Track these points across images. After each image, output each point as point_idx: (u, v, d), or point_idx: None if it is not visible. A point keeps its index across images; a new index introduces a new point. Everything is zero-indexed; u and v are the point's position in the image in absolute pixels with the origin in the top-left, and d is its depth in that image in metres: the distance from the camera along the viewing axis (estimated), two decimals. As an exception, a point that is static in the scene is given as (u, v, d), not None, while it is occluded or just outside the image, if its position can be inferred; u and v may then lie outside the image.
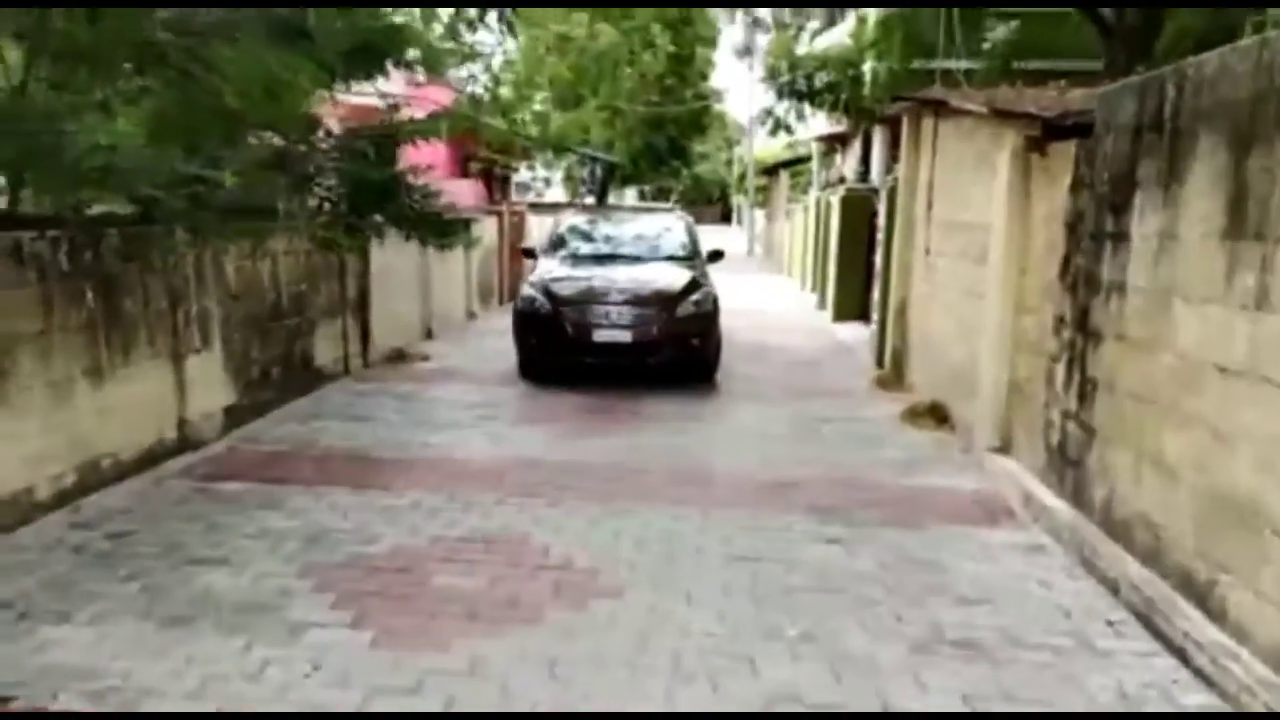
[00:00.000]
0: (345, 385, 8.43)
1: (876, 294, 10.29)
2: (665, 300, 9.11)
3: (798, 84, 12.57)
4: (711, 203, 74.33)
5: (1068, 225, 5.34)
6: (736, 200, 39.44)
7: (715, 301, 9.48)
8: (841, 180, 14.95)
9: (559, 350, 9.04)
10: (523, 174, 39.59)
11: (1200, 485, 3.84)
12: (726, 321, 14.04)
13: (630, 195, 71.93)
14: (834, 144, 18.41)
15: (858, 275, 13.09)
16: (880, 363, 9.86)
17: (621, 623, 3.86)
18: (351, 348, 9.02)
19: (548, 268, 10.14)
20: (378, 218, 7.10)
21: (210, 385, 6.43)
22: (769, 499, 5.54)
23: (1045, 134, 5.77)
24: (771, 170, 32.72)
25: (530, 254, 11.07)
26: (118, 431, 5.45)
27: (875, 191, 12.58)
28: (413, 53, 6.58)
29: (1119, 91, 4.86)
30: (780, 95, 12.90)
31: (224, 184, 5.20)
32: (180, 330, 6.08)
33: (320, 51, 5.33)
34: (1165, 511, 4.07)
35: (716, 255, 11.07)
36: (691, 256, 10.61)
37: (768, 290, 19.39)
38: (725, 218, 69.12)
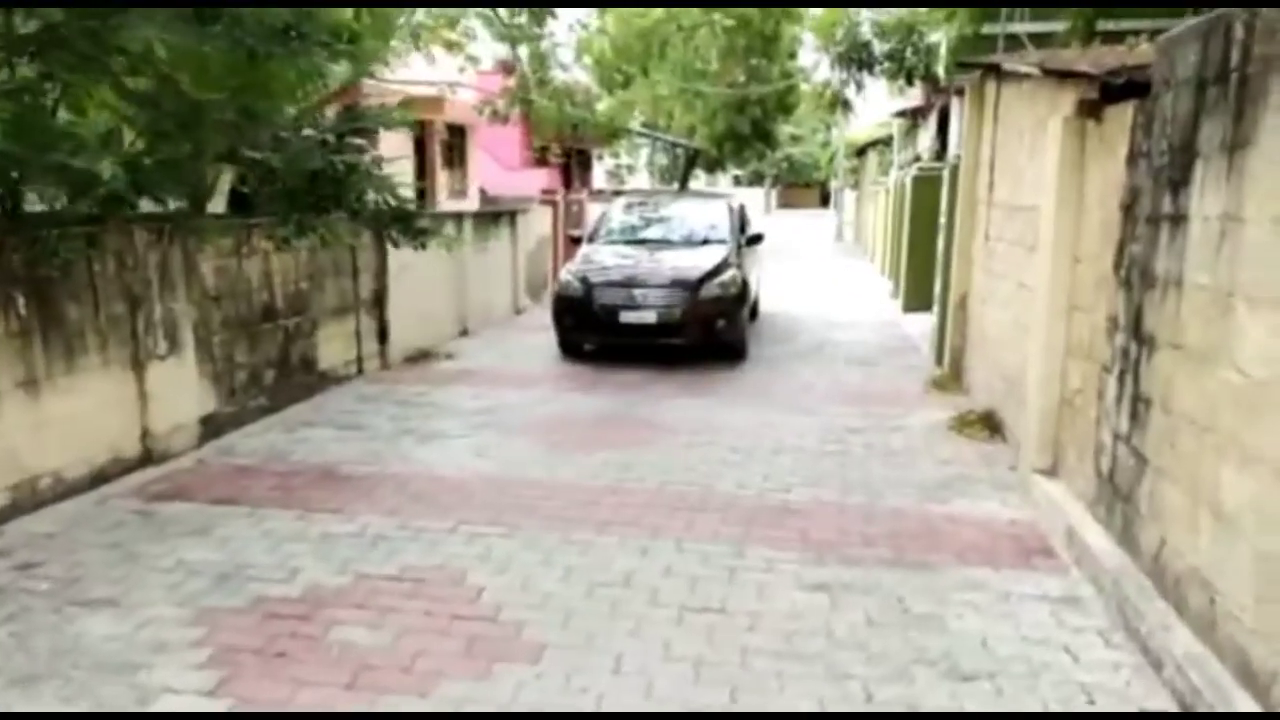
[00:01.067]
0: (354, 388, 8.01)
1: (938, 285, 9.30)
2: (689, 283, 8.99)
3: (855, 53, 11.55)
4: (809, 186, 72.49)
5: (1124, 206, 4.39)
6: (834, 183, 38.02)
7: (742, 284, 9.35)
8: (916, 159, 13.84)
9: (590, 331, 9.25)
10: (608, 161, 39.13)
11: (1264, 543, 2.94)
12: (792, 314, 13.28)
13: (725, 181, 70.95)
14: (916, 120, 17.18)
15: (928, 263, 12.00)
16: (940, 361, 8.90)
17: (522, 698, 3.22)
18: (366, 348, 8.61)
19: (587, 253, 9.85)
20: (338, 214, 6.59)
21: (181, 394, 6.06)
22: (761, 529, 4.79)
23: (1102, 95, 4.81)
24: (861, 151, 31.28)
25: (578, 241, 10.56)
26: (59, 447, 5.10)
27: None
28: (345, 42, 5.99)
29: (1180, 38, 3.90)
30: (836, 66, 11.90)
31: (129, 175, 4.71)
32: (140, 335, 5.70)
33: (238, 31, 4.80)
34: (1222, 571, 3.18)
35: (755, 239, 10.58)
36: (727, 240, 9.95)
37: (846, 279, 18.34)
38: (825, 201, 67.09)
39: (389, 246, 8.74)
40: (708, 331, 9.04)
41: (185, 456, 5.97)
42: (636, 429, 6.78)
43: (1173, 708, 3.15)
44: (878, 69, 11.70)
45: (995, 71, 7.36)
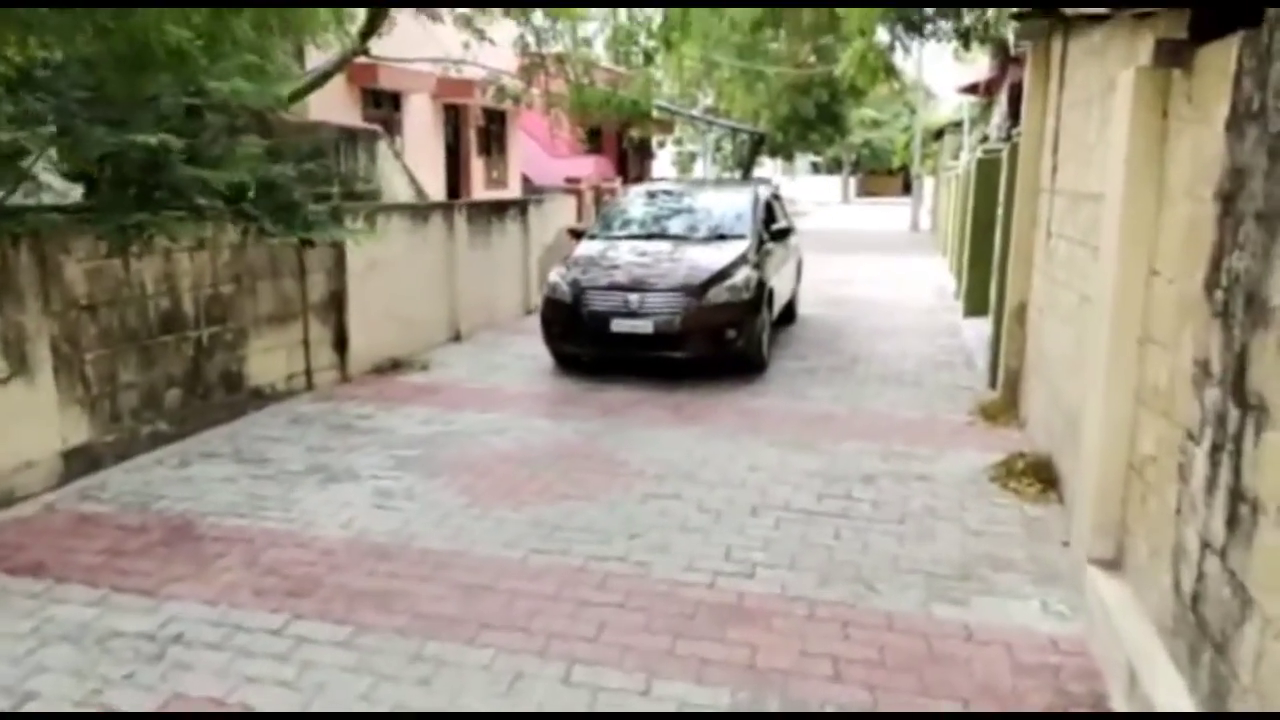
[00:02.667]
0: (292, 408, 6.93)
1: (994, 288, 7.76)
2: (691, 287, 7.66)
3: (902, 12, 9.95)
4: (892, 173, 69.59)
5: (1222, 195, 2.92)
6: (913, 170, 35.66)
7: (758, 286, 7.94)
8: (984, 140, 12.17)
9: (579, 340, 8.01)
10: (671, 150, 37.78)
11: None
12: (837, 317, 11.74)
13: (802, 166, 68.63)
14: (990, 97, 15.39)
15: (990, 260, 10.41)
16: (993, 383, 7.37)
17: None
18: (318, 359, 7.53)
19: (582, 251, 8.66)
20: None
21: (30, 423, 5.02)
22: (692, 644, 3.47)
23: (1193, 33, 3.33)
24: (939, 135, 29.20)
25: (578, 234, 9.31)
26: None
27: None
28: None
29: (1321, -77, 2.43)
30: (881, 26, 10.30)
31: None
32: (-35, 357, 4.68)
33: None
34: None
35: (782, 234, 9.16)
36: (746, 236, 8.57)
37: (910, 276, 16.64)
38: (907, 189, 64.21)
39: (353, 240, 7.67)
40: (715, 343, 7.71)
41: (33, 500, 4.93)
42: (594, 470, 5.51)
43: None
44: (929, 30, 10.09)
45: (1061, 20, 5.82)
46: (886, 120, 57.67)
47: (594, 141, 26.35)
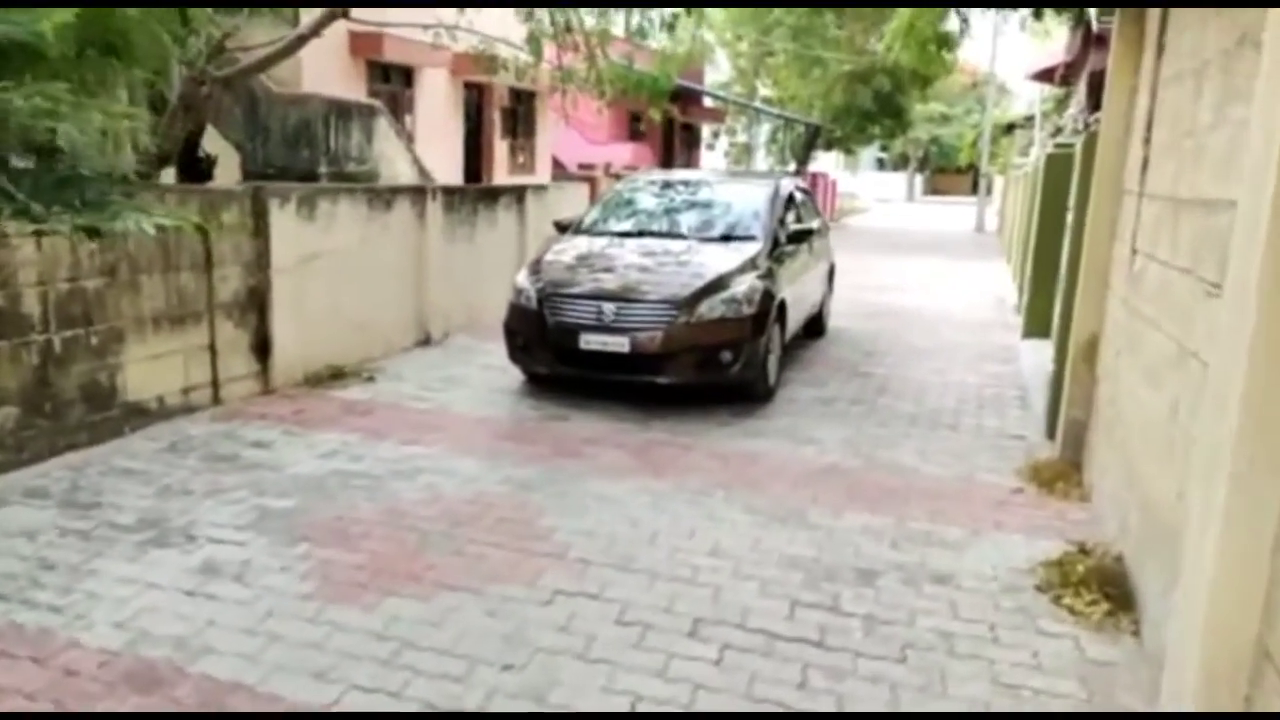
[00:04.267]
0: (180, 428, 5.72)
1: (1057, 312, 6.22)
2: (681, 297, 6.29)
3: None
4: (961, 172, 66.76)
5: None
6: (984, 169, 33.25)
7: (763, 298, 6.53)
8: (1056, 133, 10.52)
9: (543, 357, 6.64)
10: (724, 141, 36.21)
11: None
12: (874, 331, 10.13)
13: (866, 162, 66.11)
14: (1067, 83, 13.63)
15: (1055, 274, 8.83)
16: (1051, 432, 5.86)
17: None
18: (230, 368, 6.32)
19: (560, 247, 7.40)
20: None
21: None
22: None
23: None
24: (1010, 130, 27.15)
25: (564, 228, 7.97)
26: None
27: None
28: None
29: None
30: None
31: None
32: None
33: None
34: None
35: (803, 235, 7.67)
36: (757, 237, 7.19)
37: (969, 284, 14.97)
38: (977, 188, 61.50)
39: (286, 226, 6.46)
40: (706, 367, 6.32)
41: None
42: (503, 544, 4.17)
43: None
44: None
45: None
46: (956, 115, 55.21)
47: (637, 128, 25.02)
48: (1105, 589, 3.75)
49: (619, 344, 6.21)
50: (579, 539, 4.25)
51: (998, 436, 6.11)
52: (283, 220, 6.55)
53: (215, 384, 6.22)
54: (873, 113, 26.18)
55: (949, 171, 67.90)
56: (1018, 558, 4.17)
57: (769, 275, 6.80)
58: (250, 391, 6.48)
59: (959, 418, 6.57)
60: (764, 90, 32.51)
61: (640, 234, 7.43)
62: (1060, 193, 8.68)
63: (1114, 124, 5.12)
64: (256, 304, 6.49)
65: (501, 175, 17.30)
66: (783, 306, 6.99)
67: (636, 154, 22.05)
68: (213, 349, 6.18)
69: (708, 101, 29.39)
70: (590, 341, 6.26)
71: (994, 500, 4.92)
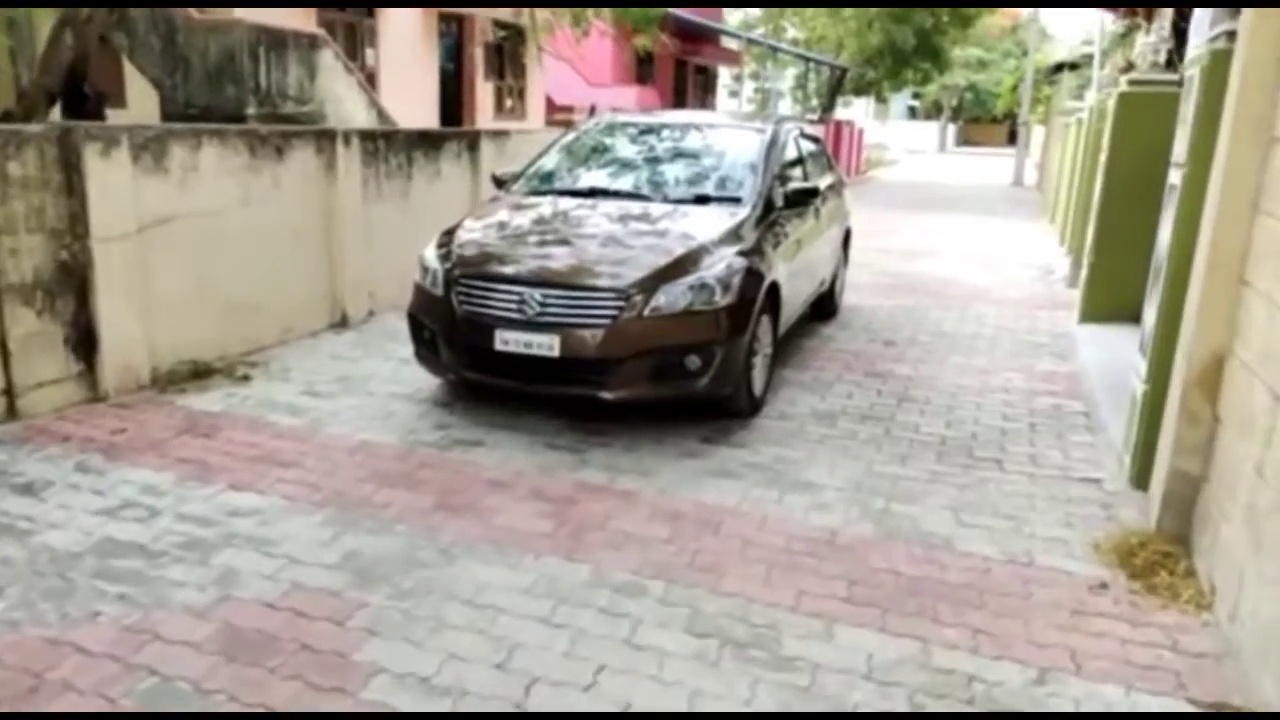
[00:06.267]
0: (-61, 459, 4.19)
1: (1149, 315, 4.50)
2: (632, 281, 4.60)
3: None
4: (996, 121, 63.67)
5: None
6: (1020, 116, 30.48)
7: (746, 282, 4.85)
8: (1128, 68, 8.64)
9: (448, 356, 4.94)
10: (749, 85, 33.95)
11: None
12: (898, 310, 8.32)
13: (897, 110, 63.10)
14: (1134, 13, 11.63)
15: (1133, 245, 7.08)
16: (1139, 479, 4.19)
17: None
18: (34, 370, 4.76)
19: (488, 210, 5.80)
20: None
21: None
22: None
23: None
24: (1056, 71, 24.81)
25: (500, 182, 6.30)
26: None
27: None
28: None
29: None
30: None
31: None
32: None
33: None
34: None
35: (808, 195, 5.89)
36: (743, 198, 5.51)
37: (1009, 246, 13.16)
38: (1012, 139, 58.33)
39: (115, 180, 4.87)
40: (667, 376, 4.68)
41: None
42: (277, 697, 2.61)
43: None
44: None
45: None
46: (994, 60, 52.24)
47: (647, 70, 23.07)
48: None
49: (546, 345, 4.57)
50: (405, 694, 2.67)
51: (1061, 479, 4.45)
52: (109, 172, 4.93)
53: (9, 393, 4.67)
54: (909, 53, 23.97)
55: (983, 121, 64.86)
56: (1109, 694, 2.56)
57: (756, 250, 5.11)
58: (68, 400, 4.93)
59: (1005, 445, 4.90)
60: (791, 32, 30.28)
61: (591, 193, 5.74)
62: (1141, 142, 6.90)
63: (1265, 41, 3.37)
64: (74, 285, 4.91)
65: (486, 121, 15.54)
66: (775, 291, 5.32)
67: (642, 98, 20.16)
68: (3, 346, 4.62)
69: (731, 44, 27.26)
70: (508, 341, 4.63)
71: (1065, 604, 3.28)
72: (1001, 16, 47.77)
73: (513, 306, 4.66)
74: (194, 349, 5.63)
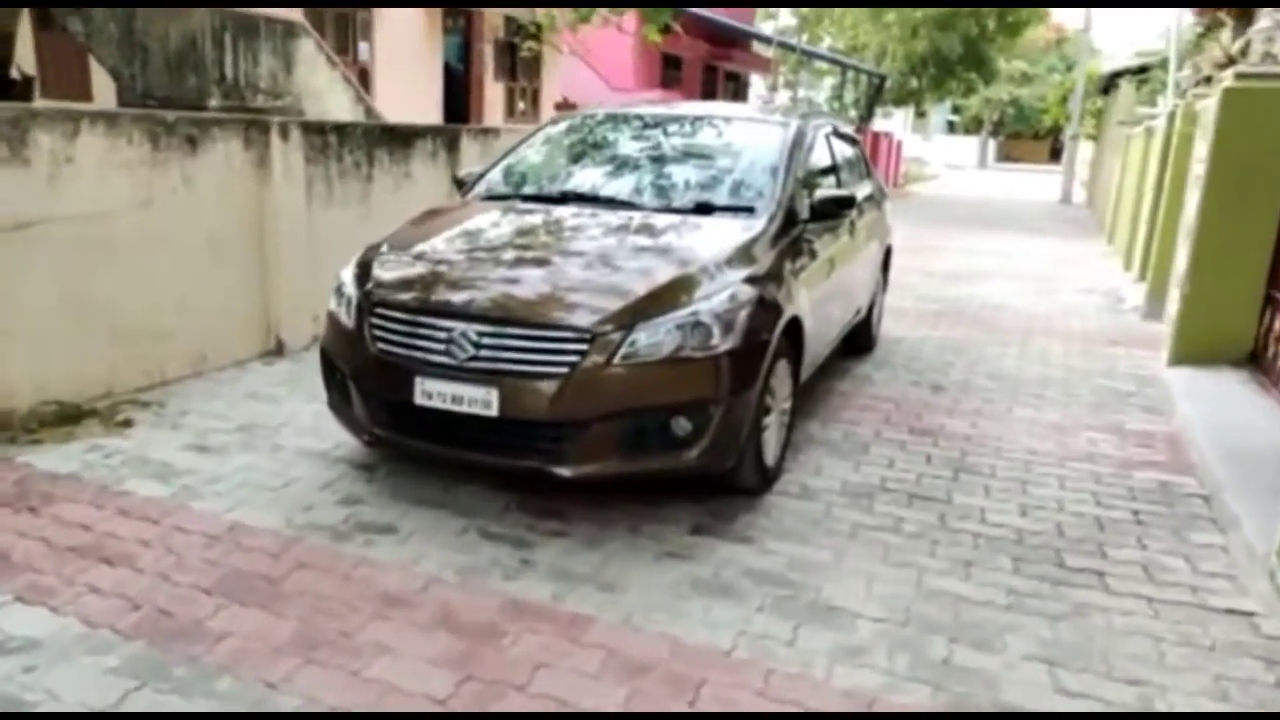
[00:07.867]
0: None
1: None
2: (600, 317, 3.37)
3: None
4: (1039, 138, 61.79)
5: None
6: (1067, 131, 28.86)
7: (752, 321, 3.60)
8: (1228, 64, 7.31)
9: (363, 409, 3.69)
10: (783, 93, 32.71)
11: None
12: (953, 348, 6.88)
13: (936, 125, 61.42)
14: (1219, 11, 10.30)
15: (1246, 267, 5.78)
16: (1323, 630, 2.89)
17: None
18: None
19: (427, 218, 4.63)
20: None
21: None
22: None
23: None
24: (1111, 81, 23.28)
25: (462, 184, 5.12)
26: None
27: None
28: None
29: None
30: None
31: None
32: None
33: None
34: None
35: (842, 205, 4.60)
36: (757, 209, 4.26)
37: (1065, 268, 11.79)
38: (1055, 156, 56.17)
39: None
40: (645, 445, 3.44)
41: None
42: None
43: None
44: None
45: None
46: (1039, 75, 50.53)
47: (674, 74, 21.96)
48: None
49: (481, 400, 3.36)
50: None
51: (1195, 609, 3.15)
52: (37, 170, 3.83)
53: None
54: (954, 63, 22.63)
55: (1024, 137, 62.91)
56: None
57: (772, 275, 3.88)
58: (-127, 455, 3.82)
59: (1106, 548, 3.61)
60: (828, 41, 29.06)
61: (565, 199, 4.54)
62: (1255, 146, 5.61)
63: None
64: (-117, 307, 3.80)
65: (496, 123, 14.43)
66: (796, 328, 4.08)
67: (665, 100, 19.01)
68: None
69: (767, 51, 26.05)
70: (431, 394, 3.42)
71: None
72: (1047, 29, 46.11)
73: (438, 347, 3.45)
74: (68, 385, 4.50)
